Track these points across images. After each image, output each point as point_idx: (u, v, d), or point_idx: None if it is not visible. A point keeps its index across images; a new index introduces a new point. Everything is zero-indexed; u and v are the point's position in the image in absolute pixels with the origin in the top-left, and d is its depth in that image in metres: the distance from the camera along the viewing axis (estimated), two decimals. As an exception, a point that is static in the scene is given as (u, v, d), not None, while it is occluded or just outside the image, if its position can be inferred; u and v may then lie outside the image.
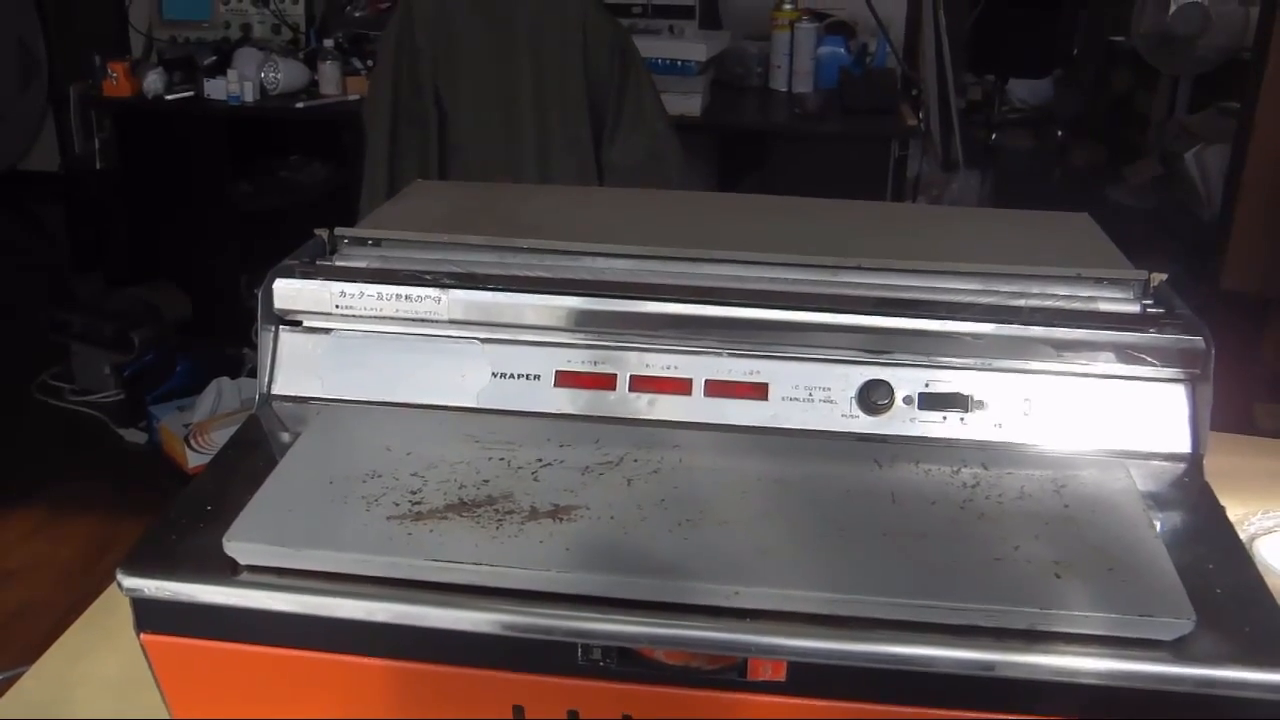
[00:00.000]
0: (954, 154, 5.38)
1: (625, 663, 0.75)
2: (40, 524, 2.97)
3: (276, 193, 3.90)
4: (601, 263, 1.03)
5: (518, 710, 0.79)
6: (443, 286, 0.96)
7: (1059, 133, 7.02)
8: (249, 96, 3.45)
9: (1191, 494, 0.89)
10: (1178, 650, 0.72)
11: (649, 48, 3.14)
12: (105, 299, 3.80)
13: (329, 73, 3.49)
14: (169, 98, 3.52)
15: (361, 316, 0.98)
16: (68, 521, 2.98)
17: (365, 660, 0.78)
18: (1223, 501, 1.22)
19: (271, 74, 3.47)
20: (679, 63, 3.23)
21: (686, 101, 3.22)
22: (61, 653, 1.03)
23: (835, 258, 1.02)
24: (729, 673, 0.75)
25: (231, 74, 3.44)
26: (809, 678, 0.74)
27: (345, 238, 1.09)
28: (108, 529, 2.91)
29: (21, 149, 5.34)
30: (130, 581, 0.79)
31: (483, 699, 0.79)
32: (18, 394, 3.63)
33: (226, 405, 3.22)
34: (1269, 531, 1.15)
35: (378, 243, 1.09)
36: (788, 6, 3.54)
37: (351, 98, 3.47)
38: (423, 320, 0.97)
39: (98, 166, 3.92)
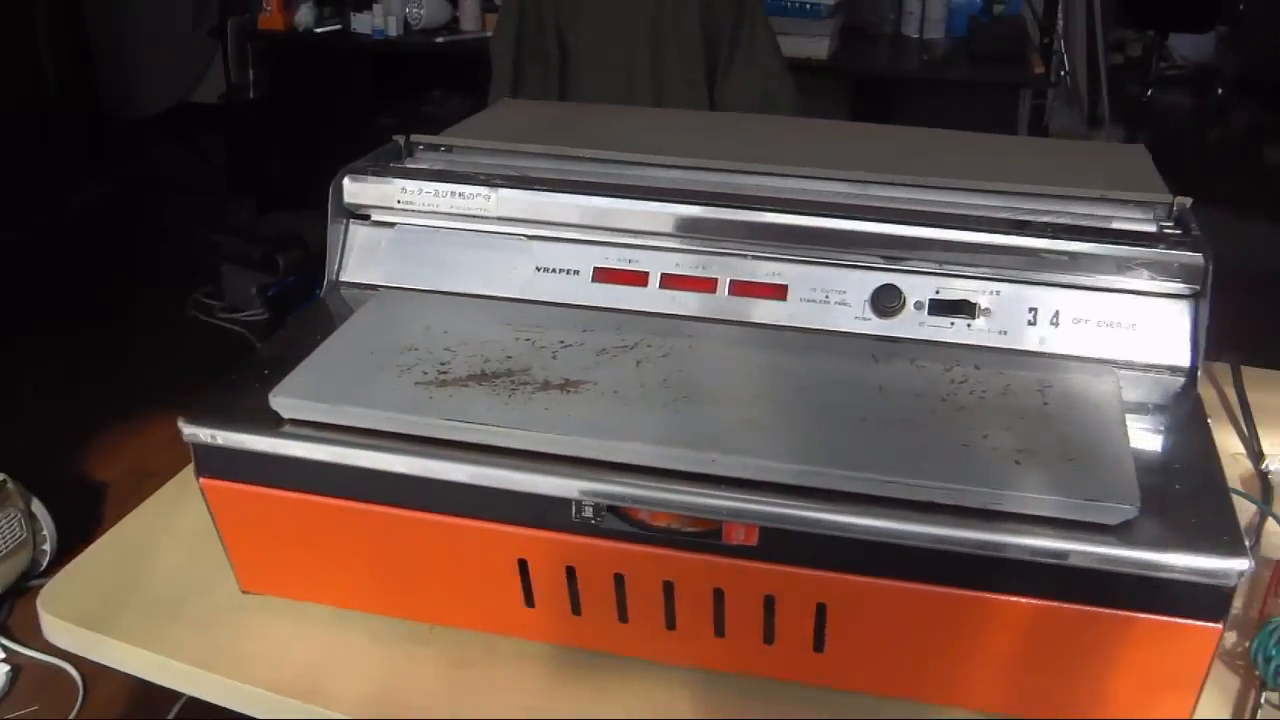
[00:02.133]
0: (1101, 110, 5.29)
1: (615, 521, 0.83)
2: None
3: (418, 127, 4.02)
4: (650, 172, 1.10)
5: (522, 563, 0.87)
6: (493, 186, 1.05)
7: (1220, 91, 6.81)
8: (393, 31, 3.59)
9: (1180, 404, 0.93)
10: (1122, 534, 0.77)
11: (778, -10, 3.19)
12: (256, 224, 3.99)
13: (469, 8, 3.61)
14: (318, 30, 3.69)
15: (421, 212, 1.07)
16: (209, 429, 3.15)
17: (388, 509, 0.87)
18: (1262, 434, 1.25)
19: (415, 9, 3.60)
20: (808, 5, 3.26)
21: (814, 45, 3.26)
22: (154, 505, 1.15)
23: (871, 173, 1.08)
24: (707, 536, 0.82)
25: (377, 8, 3.59)
26: (779, 544, 0.81)
27: (420, 144, 1.18)
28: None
29: (192, 83, 5.58)
30: (189, 429, 0.89)
31: (491, 550, 0.88)
32: (173, 310, 3.84)
33: (359, 327, 3.36)
34: (1296, 464, 1.17)
35: (449, 149, 1.18)
36: (922, -48, 3.54)
37: (490, 34, 3.56)
38: (475, 216, 1.06)
39: (251, 96, 4.12)
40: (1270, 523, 1.10)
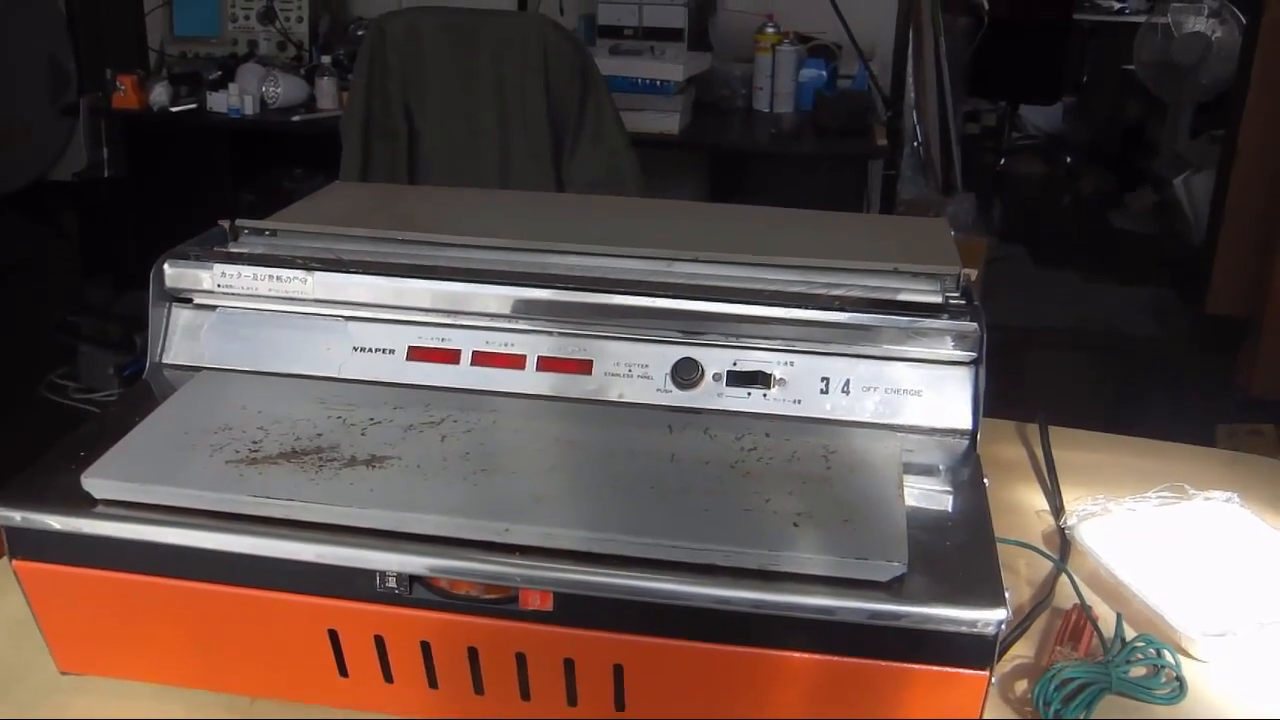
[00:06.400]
0: (953, 178, 5.47)
1: (418, 590, 0.86)
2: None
3: (280, 204, 4.03)
4: (464, 253, 1.14)
5: (333, 634, 0.90)
6: (309, 269, 1.08)
7: (1069, 159, 7.10)
8: (249, 110, 3.61)
9: (959, 465, 0.99)
10: (892, 590, 0.82)
11: (629, 67, 3.28)
12: (113, 302, 3.95)
13: (326, 88, 3.65)
14: (173, 110, 3.69)
15: (241, 295, 1.10)
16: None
17: (200, 585, 0.89)
18: (1065, 489, 1.32)
19: (272, 88, 3.63)
20: (658, 83, 3.35)
21: (665, 120, 3.34)
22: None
23: (675, 250, 1.13)
24: (505, 602, 0.86)
25: (233, 88, 3.61)
26: (573, 608, 0.85)
27: (245, 228, 1.21)
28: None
29: (50, 160, 5.52)
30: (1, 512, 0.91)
31: (302, 622, 0.90)
32: (27, 392, 3.77)
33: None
34: (1091, 516, 1.24)
35: (274, 233, 1.21)
36: (770, 30, 3.66)
37: (347, 112, 3.61)
38: (293, 299, 1.09)
39: (105, 175, 4.10)
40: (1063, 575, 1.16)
